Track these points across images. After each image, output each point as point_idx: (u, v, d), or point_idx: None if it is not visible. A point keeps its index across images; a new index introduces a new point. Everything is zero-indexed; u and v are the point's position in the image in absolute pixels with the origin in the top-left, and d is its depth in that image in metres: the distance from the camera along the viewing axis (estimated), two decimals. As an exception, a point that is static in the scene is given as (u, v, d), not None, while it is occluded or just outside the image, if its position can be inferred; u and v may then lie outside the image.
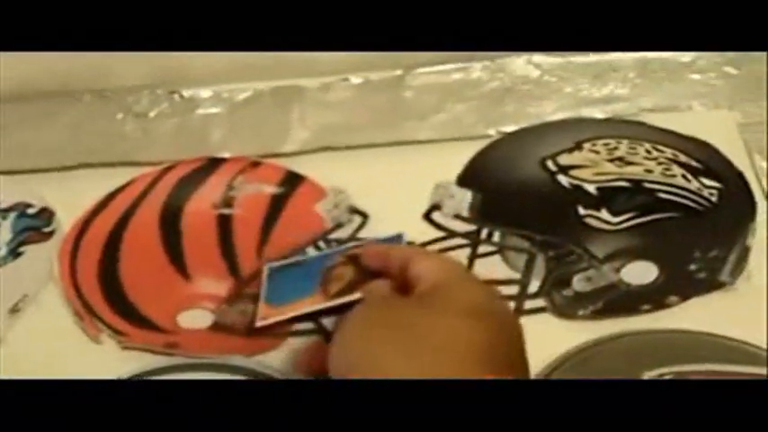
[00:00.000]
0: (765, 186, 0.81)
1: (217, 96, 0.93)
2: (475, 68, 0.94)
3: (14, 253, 0.80)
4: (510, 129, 0.88)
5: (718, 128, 0.86)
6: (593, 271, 0.76)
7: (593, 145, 0.83)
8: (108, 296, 0.76)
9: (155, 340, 0.74)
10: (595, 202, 0.78)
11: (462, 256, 0.78)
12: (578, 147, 0.83)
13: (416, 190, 0.80)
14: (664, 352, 0.70)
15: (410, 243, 0.73)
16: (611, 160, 0.81)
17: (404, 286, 0.60)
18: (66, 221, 0.82)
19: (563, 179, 0.80)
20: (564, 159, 0.82)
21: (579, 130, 0.85)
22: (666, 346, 0.72)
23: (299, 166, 0.84)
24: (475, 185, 0.80)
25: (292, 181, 0.82)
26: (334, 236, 0.78)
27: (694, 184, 0.79)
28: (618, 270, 0.76)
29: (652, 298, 0.75)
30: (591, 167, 0.81)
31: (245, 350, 0.72)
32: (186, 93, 0.94)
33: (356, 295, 0.65)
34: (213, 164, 0.84)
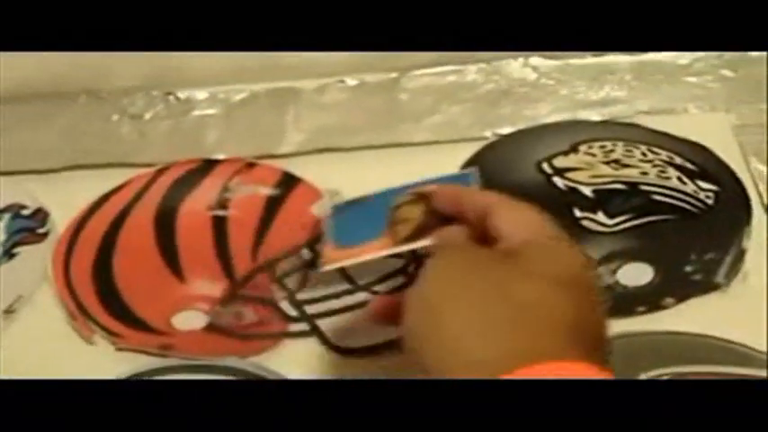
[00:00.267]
0: (765, 198, 0.81)
1: (212, 98, 0.93)
2: (470, 71, 0.93)
3: (9, 254, 0.80)
4: (506, 131, 0.88)
5: (714, 130, 0.86)
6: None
7: (590, 147, 0.83)
8: (102, 297, 0.76)
9: (149, 341, 0.74)
10: (591, 204, 0.78)
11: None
12: (574, 149, 0.83)
13: (412, 192, 0.80)
14: (659, 354, 0.70)
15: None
16: (607, 163, 0.82)
17: (482, 236, 0.56)
18: (61, 223, 0.82)
19: (559, 181, 0.80)
20: (560, 162, 0.82)
21: (575, 133, 0.85)
22: (662, 347, 0.72)
23: (295, 167, 0.84)
24: (471, 187, 0.80)
25: (288, 183, 0.82)
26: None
27: (690, 187, 0.79)
28: (614, 272, 0.76)
29: (648, 300, 0.75)
30: (587, 170, 0.81)
31: (240, 352, 0.72)
32: (182, 94, 0.94)
33: (426, 241, 0.61)
34: (208, 165, 0.84)
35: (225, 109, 0.93)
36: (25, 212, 0.83)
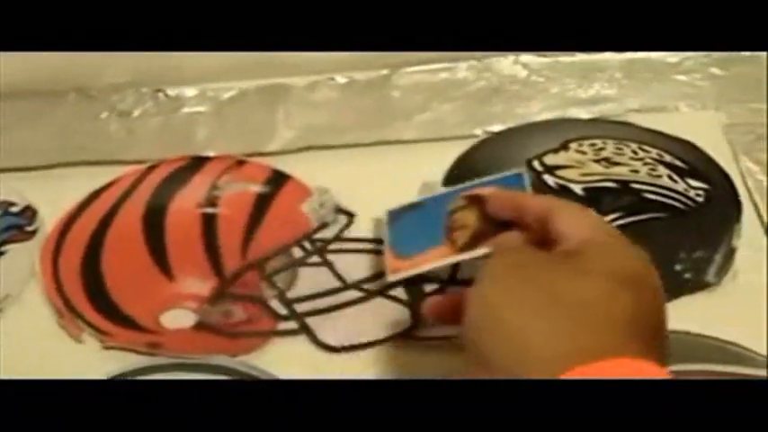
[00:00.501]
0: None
1: (202, 95, 0.93)
2: (461, 68, 0.93)
3: (-3, 252, 0.80)
4: (496, 129, 0.88)
5: (704, 129, 0.86)
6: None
7: (580, 145, 0.83)
8: (90, 295, 0.76)
9: (137, 340, 0.73)
10: (581, 202, 0.78)
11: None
12: (565, 147, 0.83)
13: (402, 190, 0.79)
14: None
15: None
16: (598, 161, 0.81)
17: (540, 241, 0.57)
18: (50, 220, 0.81)
19: (549, 179, 0.80)
20: (550, 159, 0.82)
21: (566, 131, 0.85)
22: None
23: (285, 165, 0.83)
24: (461, 185, 0.80)
25: (277, 180, 0.82)
26: (319, 235, 0.78)
27: (680, 185, 0.79)
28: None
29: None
30: (577, 168, 0.81)
31: (229, 350, 0.72)
32: (171, 91, 0.93)
33: (486, 250, 0.61)
34: (198, 163, 0.83)
35: (214, 106, 0.92)
36: (13, 210, 0.82)
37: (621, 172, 0.80)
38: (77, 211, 0.81)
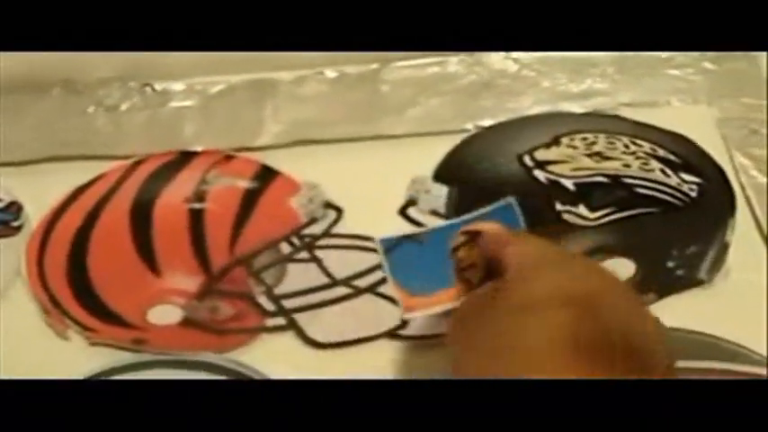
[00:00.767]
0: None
1: (189, 89, 0.92)
2: (452, 62, 0.93)
3: (-19, 248, 0.79)
4: (487, 123, 0.88)
5: (696, 123, 0.86)
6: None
7: (571, 140, 0.83)
8: (76, 291, 0.75)
9: (123, 336, 0.73)
10: (573, 197, 0.77)
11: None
12: (556, 141, 0.83)
13: (392, 185, 0.79)
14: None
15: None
16: (589, 155, 0.81)
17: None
18: (35, 216, 0.81)
19: (540, 174, 0.80)
20: (541, 154, 0.82)
21: (557, 125, 0.85)
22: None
23: (273, 160, 0.83)
24: (451, 180, 0.80)
25: (266, 175, 0.81)
26: (308, 231, 0.78)
27: (673, 179, 0.79)
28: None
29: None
30: (568, 162, 0.81)
31: (216, 347, 0.71)
32: (158, 86, 0.92)
33: None
34: (185, 157, 0.83)
35: (202, 101, 0.91)
36: (-2, 205, 0.82)
37: (613, 166, 0.79)
38: (63, 206, 0.80)
